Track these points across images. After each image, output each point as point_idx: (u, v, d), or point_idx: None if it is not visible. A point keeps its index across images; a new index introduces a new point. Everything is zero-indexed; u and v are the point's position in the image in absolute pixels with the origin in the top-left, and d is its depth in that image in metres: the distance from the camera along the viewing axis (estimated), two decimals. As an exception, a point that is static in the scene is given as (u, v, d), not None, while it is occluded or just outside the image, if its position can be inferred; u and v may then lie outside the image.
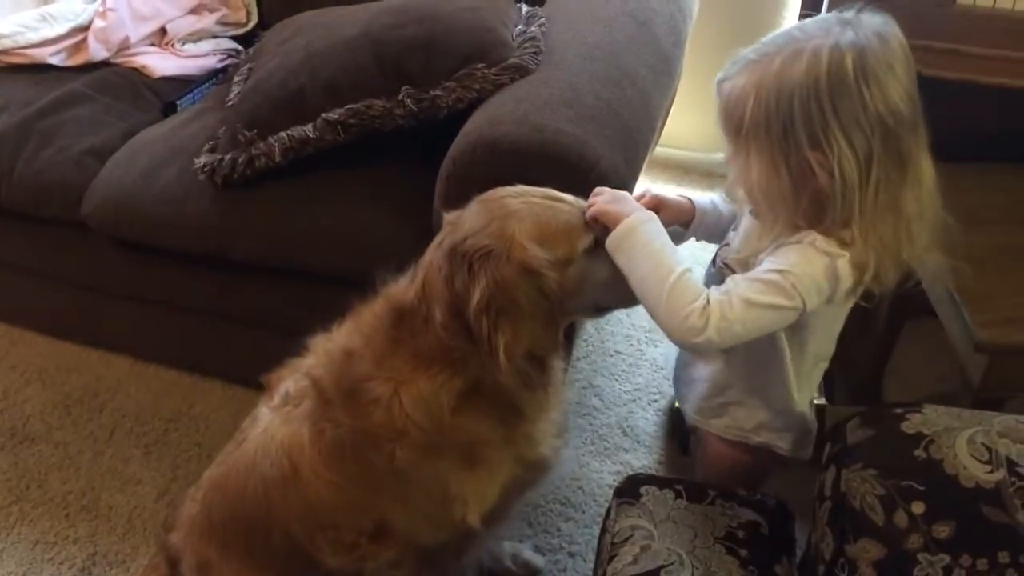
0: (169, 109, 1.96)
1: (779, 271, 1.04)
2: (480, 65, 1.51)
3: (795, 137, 1.02)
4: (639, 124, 1.50)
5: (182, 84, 2.03)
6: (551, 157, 1.33)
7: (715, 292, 1.05)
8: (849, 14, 1.03)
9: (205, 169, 1.63)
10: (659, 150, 2.44)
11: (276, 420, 1.21)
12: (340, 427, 1.13)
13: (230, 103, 1.78)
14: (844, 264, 1.04)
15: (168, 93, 2.00)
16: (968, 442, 0.94)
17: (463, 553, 1.28)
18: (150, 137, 1.83)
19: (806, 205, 1.05)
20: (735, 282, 1.07)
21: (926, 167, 1.06)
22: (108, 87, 1.96)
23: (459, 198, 1.42)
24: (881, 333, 1.74)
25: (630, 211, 1.11)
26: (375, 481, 1.14)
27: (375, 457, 1.12)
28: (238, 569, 1.24)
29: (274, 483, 1.17)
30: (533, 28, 1.61)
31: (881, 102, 1.00)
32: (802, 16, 1.79)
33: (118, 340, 2.02)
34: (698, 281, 1.08)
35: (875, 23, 1.03)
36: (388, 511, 1.17)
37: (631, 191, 1.45)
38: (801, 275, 1.04)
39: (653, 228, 1.10)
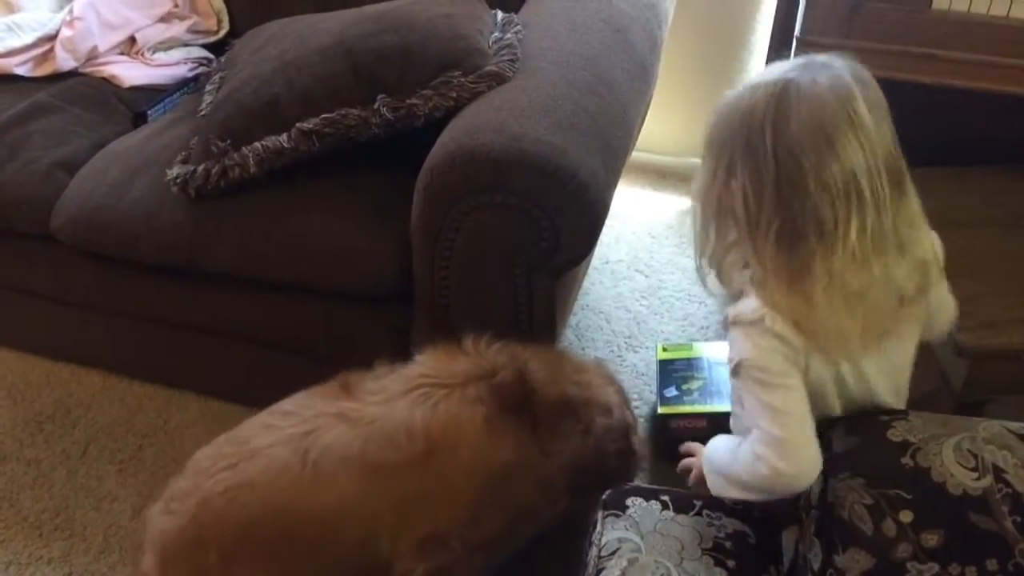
0: (139, 119, 1.93)
1: (737, 366, 1.04)
2: (456, 73, 1.50)
3: (724, 160, 1.02)
4: (617, 131, 1.50)
5: (153, 94, 1.99)
6: (530, 166, 1.32)
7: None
8: (822, 57, 1.01)
9: (177, 180, 1.60)
10: (635, 155, 2.44)
11: (403, 405, 1.21)
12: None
13: (202, 113, 1.76)
14: (773, 319, 1.01)
15: (138, 103, 1.97)
16: (955, 449, 0.94)
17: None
18: (120, 148, 1.79)
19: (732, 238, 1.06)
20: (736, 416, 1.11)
21: (853, 244, 0.97)
22: (76, 97, 1.92)
23: (437, 209, 1.41)
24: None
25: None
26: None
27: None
28: None
29: (388, 469, 1.17)
30: (509, 35, 1.60)
31: (782, 144, 0.97)
32: (775, 17, 1.80)
33: (90, 355, 1.98)
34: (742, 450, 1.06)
35: (833, 68, 0.99)
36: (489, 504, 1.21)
37: (610, 198, 1.45)
38: (755, 357, 1.02)
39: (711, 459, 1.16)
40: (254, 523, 1.19)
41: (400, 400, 1.22)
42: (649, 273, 2.23)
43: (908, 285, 1.02)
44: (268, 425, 1.25)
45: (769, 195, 0.98)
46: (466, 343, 1.32)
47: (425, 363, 1.30)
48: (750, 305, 1.03)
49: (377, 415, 1.21)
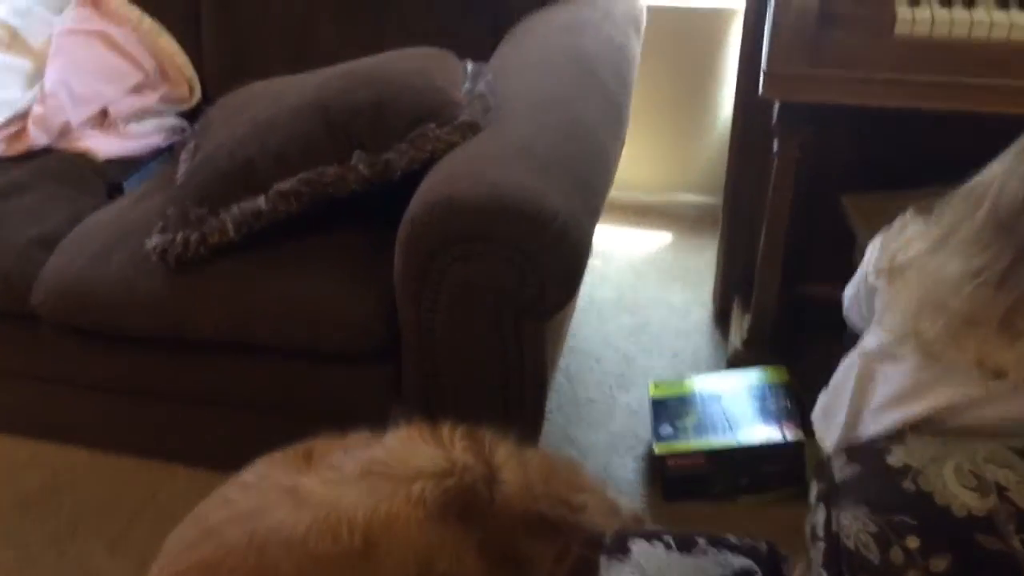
0: (115, 191, 1.92)
1: None
2: (431, 125, 1.50)
3: None
4: (595, 172, 1.50)
5: (127, 165, 1.99)
6: (511, 212, 1.32)
7: None
8: None
9: (157, 250, 1.59)
10: (614, 193, 2.46)
11: (352, 492, 1.15)
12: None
13: (178, 181, 1.75)
14: None
15: (113, 175, 1.96)
16: (955, 470, 0.93)
17: None
18: (98, 221, 1.78)
19: None
20: None
21: None
22: (51, 174, 1.91)
23: (419, 261, 1.40)
24: (851, 361, 1.74)
25: None
26: None
27: None
28: None
29: (327, 561, 1.11)
30: (481, 85, 1.61)
31: None
32: (741, 52, 1.82)
33: (74, 431, 1.95)
34: None
35: None
36: None
37: (592, 238, 1.45)
38: None
39: None
40: None
41: (351, 486, 1.16)
42: (636, 311, 2.23)
43: None
44: (226, 500, 1.22)
45: None
46: (441, 430, 1.23)
47: (387, 447, 1.22)
48: None
49: (325, 499, 1.15)
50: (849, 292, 1.34)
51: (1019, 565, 0.87)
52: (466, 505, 1.15)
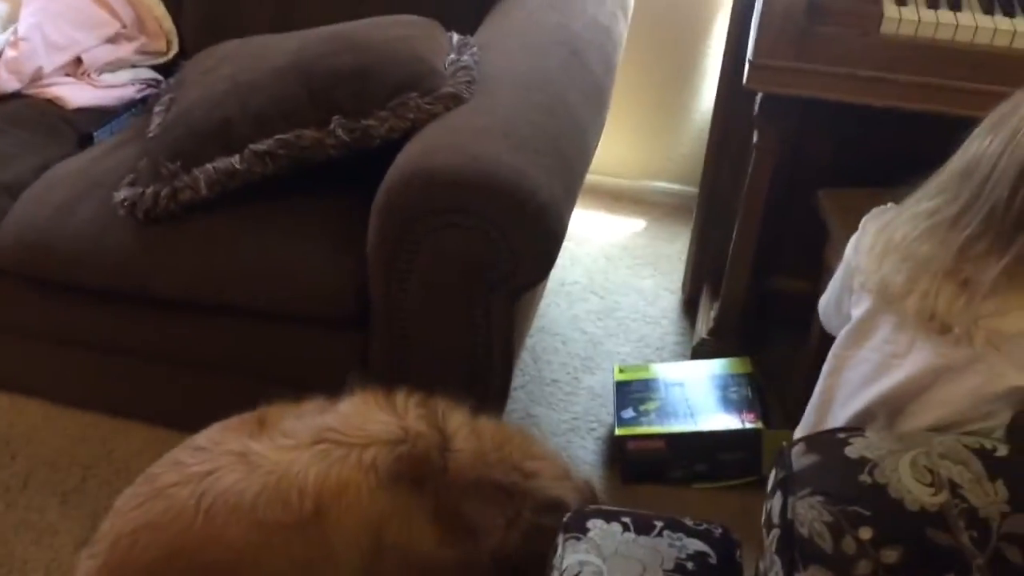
0: (86, 141, 1.89)
1: None
2: (413, 94, 1.49)
3: None
4: (575, 153, 1.50)
5: (99, 115, 1.95)
6: (489, 188, 1.31)
7: None
8: None
9: (125, 203, 1.57)
10: (589, 177, 2.46)
11: (303, 458, 1.15)
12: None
13: (151, 135, 1.72)
14: None
15: (84, 125, 1.92)
16: (911, 465, 0.95)
17: None
18: (65, 171, 1.75)
19: None
20: None
21: None
22: (20, 119, 1.87)
23: (394, 230, 1.40)
24: (814, 354, 1.76)
25: None
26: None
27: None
28: None
29: (276, 527, 1.11)
30: (465, 57, 1.60)
31: None
32: (727, 41, 1.82)
33: (32, 384, 1.92)
34: None
35: None
36: None
37: (568, 219, 1.45)
38: None
39: None
40: (155, 566, 1.16)
41: (303, 452, 1.15)
42: (604, 295, 2.24)
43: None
44: (177, 462, 1.21)
45: None
46: (395, 397, 1.24)
47: (340, 414, 1.22)
48: None
49: (276, 465, 1.15)
50: (826, 297, 1.35)
51: (967, 560, 0.88)
52: (418, 472, 1.15)
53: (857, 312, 1.16)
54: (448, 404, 1.26)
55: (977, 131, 1.07)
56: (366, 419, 1.19)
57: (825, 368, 1.21)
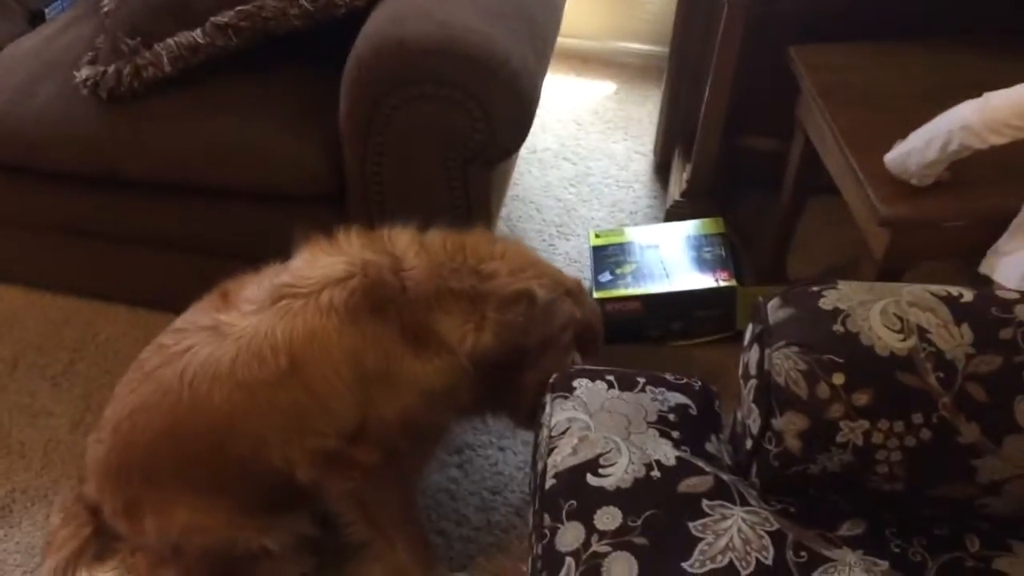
0: (36, 19, 1.81)
1: None
2: (378, -41, 1.44)
3: None
4: (545, 18, 1.48)
5: (47, -10, 1.87)
6: (461, 55, 1.29)
7: None
8: None
9: (88, 83, 1.53)
10: (558, 40, 2.42)
11: (268, 318, 1.17)
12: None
13: (105, 9, 1.66)
14: None
15: (34, 1, 1.84)
16: (881, 313, 0.99)
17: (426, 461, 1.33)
18: (20, 51, 1.69)
19: None
20: None
21: None
22: (-36, -4, 1.79)
23: (366, 103, 1.37)
24: (785, 211, 1.80)
25: None
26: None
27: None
28: (175, 498, 1.22)
29: (257, 386, 1.15)
30: (429, -83, 1.53)
31: None
32: None
33: (9, 270, 1.91)
34: None
35: None
36: (372, 408, 1.18)
37: (541, 84, 1.44)
38: None
39: None
40: (154, 445, 1.21)
41: (267, 312, 1.18)
42: (576, 160, 2.24)
43: None
44: (160, 345, 1.25)
45: None
46: (337, 238, 1.25)
47: (291, 269, 1.24)
48: None
49: (246, 329, 1.18)
50: (914, 143, 1.29)
51: (934, 400, 0.94)
52: (377, 299, 1.18)
53: None
54: (393, 228, 1.27)
55: None
56: (314, 266, 1.22)
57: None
